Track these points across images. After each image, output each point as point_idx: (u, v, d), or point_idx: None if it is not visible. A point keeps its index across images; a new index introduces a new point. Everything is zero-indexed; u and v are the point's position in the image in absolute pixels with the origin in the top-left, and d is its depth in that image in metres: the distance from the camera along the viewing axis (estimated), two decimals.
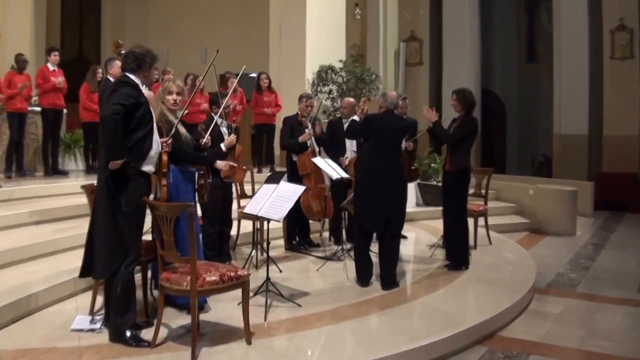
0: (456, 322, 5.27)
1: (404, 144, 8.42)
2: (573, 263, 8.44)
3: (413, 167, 8.62)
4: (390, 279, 6.26)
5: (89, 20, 18.24)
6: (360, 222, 6.37)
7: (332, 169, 7.06)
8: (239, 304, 5.44)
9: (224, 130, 6.60)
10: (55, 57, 9.64)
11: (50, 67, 9.63)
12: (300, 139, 7.75)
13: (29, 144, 10.25)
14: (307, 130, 7.77)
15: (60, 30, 17.71)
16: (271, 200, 5.48)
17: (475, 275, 6.88)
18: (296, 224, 8.04)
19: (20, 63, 9.54)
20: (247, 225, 7.76)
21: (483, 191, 8.72)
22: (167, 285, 4.48)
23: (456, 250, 7.11)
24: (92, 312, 5.13)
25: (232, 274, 4.58)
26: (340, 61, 12.56)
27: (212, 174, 6.42)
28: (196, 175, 5.58)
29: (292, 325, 5.13)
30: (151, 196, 4.94)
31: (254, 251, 6.98)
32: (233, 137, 6.49)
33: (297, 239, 8.19)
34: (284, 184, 5.59)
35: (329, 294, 6.08)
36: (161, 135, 5.02)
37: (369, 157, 6.32)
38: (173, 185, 5.30)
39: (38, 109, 9.88)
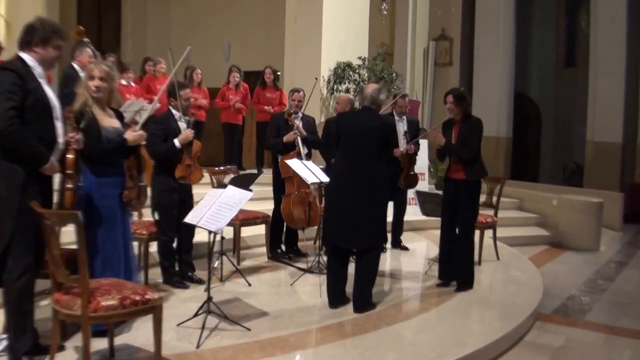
0: (431, 357, 4.46)
1: (404, 147, 7.60)
2: (589, 284, 7.48)
3: (412, 173, 7.73)
4: (362, 301, 5.45)
5: (109, 15, 17.66)
6: (325, 234, 5.55)
7: (309, 173, 6.23)
8: (178, 324, 4.79)
9: (182, 125, 5.85)
10: None
11: None
12: (285, 138, 6.98)
13: None
14: (297, 129, 6.98)
15: (77, 21, 17.17)
16: (214, 208, 4.70)
17: (469, 297, 6.00)
18: (278, 231, 7.24)
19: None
20: (227, 231, 7.03)
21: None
22: (57, 308, 3.74)
23: (466, 269, 6.21)
24: None
25: (137, 298, 3.80)
26: (360, 58, 11.67)
27: (165, 175, 5.72)
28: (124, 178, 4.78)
29: (227, 355, 4.38)
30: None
31: (217, 262, 6.19)
32: (189, 132, 5.74)
33: (285, 247, 7.40)
34: (230, 189, 4.82)
35: (291, 315, 5.29)
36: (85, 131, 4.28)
37: (337, 162, 5.59)
38: (88, 189, 4.52)
39: None
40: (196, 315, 4.87)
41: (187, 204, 5.87)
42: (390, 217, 8.06)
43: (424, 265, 7.12)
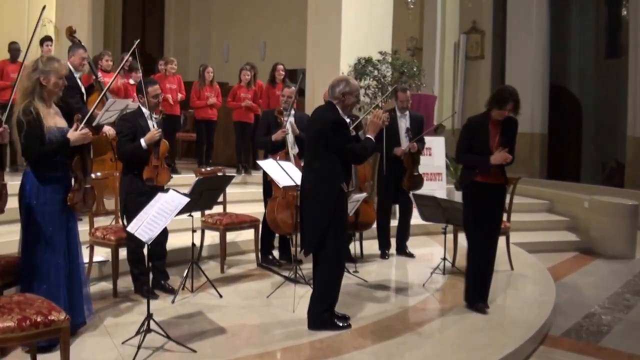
0: None
1: (406, 145, 6.85)
2: (614, 299, 6.49)
3: (416, 173, 6.95)
4: (311, 319, 4.74)
5: (152, 14, 17.47)
6: None
7: (283, 175, 5.53)
8: (123, 342, 4.19)
9: (150, 123, 5.25)
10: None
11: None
12: (274, 137, 6.35)
13: None
14: (285, 127, 6.34)
15: (122, 23, 17.03)
16: (152, 214, 4.06)
17: (463, 316, 5.17)
18: (270, 235, 6.58)
19: (13, 52, 8.61)
20: (214, 236, 6.45)
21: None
22: None
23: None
24: None
25: (38, 319, 3.23)
26: (381, 53, 10.86)
27: (133, 176, 5.14)
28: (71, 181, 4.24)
29: None
30: None
31: (186, 272, 5.58)
32: (155, 131, 5.14)
33: (278, 253, 6.75)
34: (170, 194, 4.16)
35: (250, 334, 4.63)
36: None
37: None
38: (29, 194, 4.04)
39: None
40: (137, 334, 4.26)
41: None
42: (395, 222, 7.40)
43: (426, 275, 6.32)
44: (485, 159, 5.11)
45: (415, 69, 10.96)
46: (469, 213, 5.30)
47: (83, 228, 5.80)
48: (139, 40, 5.26)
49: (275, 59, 14.78)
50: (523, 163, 6.25)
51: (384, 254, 7.17)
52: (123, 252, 5.44)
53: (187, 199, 4.06)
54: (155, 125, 5.25)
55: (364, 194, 6.37)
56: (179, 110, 9.37)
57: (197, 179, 5.04)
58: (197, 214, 6.40)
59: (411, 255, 7.24)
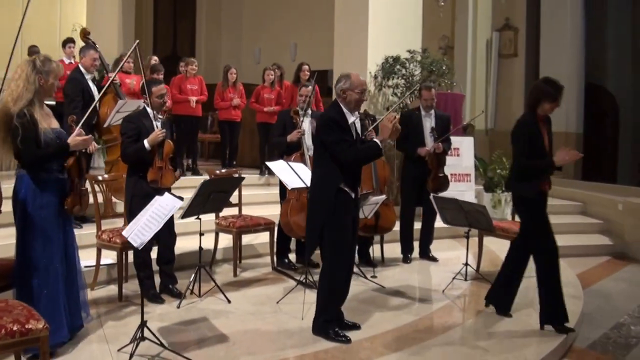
0: None
1: (431, 145, 6.54)
2: None
3: (441, 174, 6.61)
4: (315, 324, 4.51)
5: (184, 19, 17.44)
6: None
7: (293, 176, 5.27)
8: (119, 349, 4.02)
9: (156, 124, 5.04)
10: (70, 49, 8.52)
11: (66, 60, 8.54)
12: (289, 137, 6.10)
13: None
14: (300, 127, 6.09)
15: (153, 28, 17.05)
16: (146, 218, 3.85)
17: (481, 325, 4.85)
18: (286, 238, 6.33)
19: (32, 55, 8.52)
20: (229, 239, 6.23)
21: None
22: None
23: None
24: None
25: (14, 328, 3.04)
26: (409, 51, 10.51)
27: (138, 178, 4.95)
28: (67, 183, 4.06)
29: None
30: None
31: (193, 276, 5.36)
32: (158, 131, 4.92)
33: (295, 256, 6.51)
34: (166, 197, 3.93)
35: (251, 342, 4.38)
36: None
37: None
38: (24, 198, 3.88)
39: None
40: (132, 342, 4.05)
41: None
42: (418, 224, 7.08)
43: (447, 281, 5.98)
44: (549, 161, 4.70)
45: (444, 67, 10.60)
46: (541, 226, 4.85)
47: (91, 231, 5.73)
48: (138, 42, 5.07)
49: (306, 61, 14.61)
50: None
51: (406, 259, 6.86)
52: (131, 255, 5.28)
53: (180, 202, 3.83)
54: (159, 126, 5.04)
55: (383, 196, 6.07)
56: (200, 112, 9.19)
57: (202, 181, 4.80)
58: (211, 216, 6.26)
59: (434, 259, 6.91)
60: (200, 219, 5.14)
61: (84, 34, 6.70)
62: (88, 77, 6.34)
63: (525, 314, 5.17)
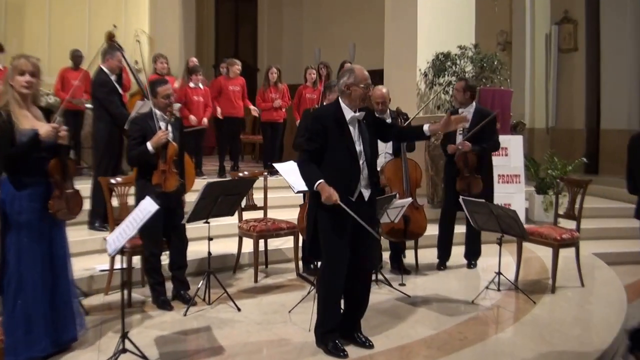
0: None
1: (460, 143, 6.04)
2: None
3: (468, 175, 6.09)
4: (316, 334, 4.16)
5: (245, 22, 17.37)
6: None
7: (300, 179, 4.87)
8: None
9: (162, 125, 4.78)
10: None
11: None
12: None
13: None
14: None
15: (215, 32, 17.05)
16: (124, 224, 3.58)
17: (508, 341, 4.33)
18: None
19: (75, 59, 8.53)
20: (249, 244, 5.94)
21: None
22: None
23: None
24: None
25: None
26: (460, 47, 9.93)
27: (146, 181, 4.71)
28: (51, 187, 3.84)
29: None
30: None
31: (201, 283, 5.08)
32: (161, 133, 4.65)
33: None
34: (145, 201, 3.64)
35: (246, 356, 4.05)
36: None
37: None
38: (2, 203, 3.71)
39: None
40: (113, 355, 3.78)
41: (177, 213, 4.84)
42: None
43: (479, 289, 5.46)
44: None
45: (496, 63, 9.96)
46: None
47: (103, 234, 5.56)
48: (138, 41, 4.82)
49: (364, 60, 14.11)
50: (619, 161, 5.38)
51: (440, 265, 6.36)
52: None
53: (155, 207, 3.52)
54: (164, 127, 4.77)
55: (409, 199, 5.62)
56: (242, 112, 8.96)
57: (205, 183, 4.50)
58: (234, 220, 5.98)
59: (471, 265, 6.38)
60: (208, 222, 4.85)
61: (109, 37, 6.58)
62: (113, 77, 6.20)
63: (559, 328, 4.59)
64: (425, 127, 4.18)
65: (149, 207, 3.49)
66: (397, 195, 5.76)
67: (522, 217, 8.08)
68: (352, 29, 14.95)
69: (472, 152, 6.03)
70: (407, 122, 6.24)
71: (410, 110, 9.23)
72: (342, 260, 3.95)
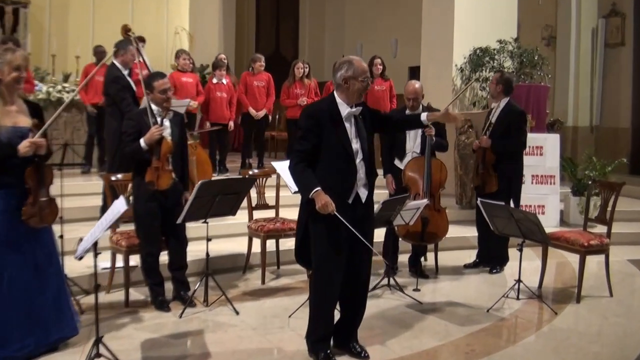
0: None
1: (480, 138, 5.69)
2: None
3: (482, 172, 5.74)
4: (307, 343, 3.85)
5: (287, 18, 17.19)
6: None
7: None
8: None
9: (154, 121, 4.56)
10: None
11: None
12: None
13: None
14: None
15: (255, 28, 16.92)
16: (97, 224, 3.38)
17: (512, 358, 3.96)
18: None
19: (98, 55, 8.45)
20: (271, 243, 5.72)
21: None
22: None
23: None
24: None
25: None
26: (499, 41, 9.46)
27: (142, 179, 4.54)
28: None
29: None
30: None
31: (200, 284, 4.86)
32: (154, 129, 4.44)
33: None
34: (118, 201, 3.43)
35: None
36: None
37: None
38: None
39: None
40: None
41: (175, 212, 4.63)
42: None
43: (498, 297, 5.09)
44: None
45: (536, 58, 9.46)
46: None
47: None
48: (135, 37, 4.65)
49: (406, 57, 13.90)
50: None
51: (493, 269, 6.04)
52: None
53: (124, 207, 3.31)
54: (163, 123, 4.56)
55: (424, 201, 5.29)
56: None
57: (199, 182, 4.27)
58: (244, 219, 5.79)
59: (495, 270, 6.00)
60: (207, 222, 4.63)
61: (125, 30, 6.40)
62: (125, 72, 6.04)
63: (577, 343, 4.20)
64: (423, 116, 3.94)
65: (119, 207, 3.29)
66: (411, 196, 5.48)
67: (556, 220, 7.66)
68: (395, 25, 14.63)
69: (490, 149, 5.66)
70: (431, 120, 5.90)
71: (443, 105, 8.92)
72: (336, 269, 3.66)
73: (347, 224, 3.50)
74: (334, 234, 3.59)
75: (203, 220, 4.60)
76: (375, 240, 6.08)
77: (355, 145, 3.67)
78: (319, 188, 3.51)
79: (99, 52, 8.35)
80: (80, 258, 3.33)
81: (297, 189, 4.52)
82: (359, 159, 3.68)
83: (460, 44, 9.44)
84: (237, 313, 4.64)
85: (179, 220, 4.38)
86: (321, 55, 16.47)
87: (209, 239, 4.74)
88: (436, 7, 9.73)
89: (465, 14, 9.38)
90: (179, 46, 14.79)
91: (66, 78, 9.98)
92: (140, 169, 4.58)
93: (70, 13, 13.55)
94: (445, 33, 9.54)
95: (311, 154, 3.64)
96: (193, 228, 5.03)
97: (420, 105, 5.66)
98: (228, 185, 4.57)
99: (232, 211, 4.76)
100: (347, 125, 3.66)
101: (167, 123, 4.62)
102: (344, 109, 3.66)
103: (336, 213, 3.50)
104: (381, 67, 8.69)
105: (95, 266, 3.44)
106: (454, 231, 7.11)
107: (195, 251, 5.11)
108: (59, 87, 8.58)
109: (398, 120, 4.29)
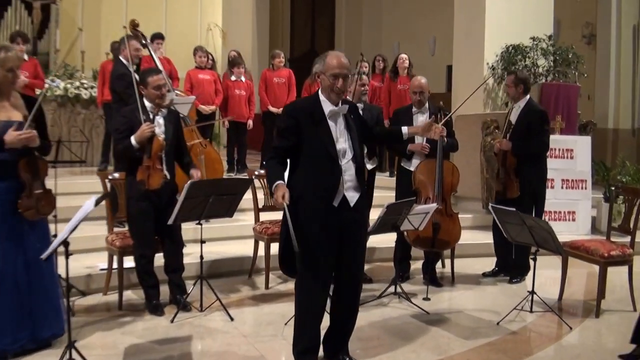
0: None
1: (500, 141, 5.43)
2: None
3: (501, 176, 5.47)
4: (294, 354, 3.63)
5: (323, 15, 17.02)
6: None
7: None
8: None
9: (144, 118, 4.44)
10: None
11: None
12: None
13: None
14: None
15: (290, 25, 16.82)
16: (67, 225, 3.28)
17: None
18: None
19: (115, 51, 8.41)
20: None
21: None
22: None
23: None
24: None
25: None
26: (532, 38, 9.09)
27: (133, 178, 4.44)
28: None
29: None
30: None
31: (193, 288, 4.74)
32: (145, 126, 4.32)
33: None
34: (90, 200, 3.31)
35: None
36: None
37: None
38: None
39: None
40: None
41: (169, 213, 4.50)
42: None
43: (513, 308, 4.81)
44: None
45: (571, 56, 9.05)
46: None
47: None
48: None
49: (445, 55, 13.57)
50: None
51: (513, 279, 5.77)
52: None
53: (92, 206, 3.19)
54: (152, 119, 4.44)
55: (433, 205, 5.04)
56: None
57: (189, 182, 4.14)
58: (250, 221, 5.66)
59: (515, 279, 5.72)
60: (201, 224, 4.50)
61: (133, 25, 6.34)
62: (131, 68, 5.96)
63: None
64: (404, 130, 3.74)
65: (88, 206, 3.18)
66: (422, 200, 5.27)
67: (587, 227, 7.30)
68: (434, 23, 14.34)
69: (511, 152, 5.38)
70: (445, 119, 5.66)
71: (476, 108, 8.61)
72: (320, 276, 3.47)
73: (291, 226, 3.27)
74: (315, 240, 3.40)
75: (197, 221, 4.47)
76: (385, 246, 5.96)
77: (343, 145, 3.47)
78: (280, 181, 3.34)
79: (116, 49, 8.31)
80: (47, 259, 3.23)
81: None
82: (346, 160, 3.47)
83: (492, 41, 9.10)
84: (232, 319, 4.50)
85: (170, 221, 4.25)
86: (357, 53, 16.23)
87: (203, 241, 4.63)
88: (467, 2, 9.42)
89: (497, 9, 9.04)
90: (211, 43, 14.84)
91: (95, 75, 10.02)
92: (133, 167, 4.48)
93: (102, 9, 13.70)
94: (477, 29, 9.21)
95: (288, 151, 3.50)
96: (196, 229, 4.89)
97: (427, 102, 5.43)
98: (221, 186, 4.42)
99: (229, 212, 4.60)
100: (331, 123, 3.46)
101: (161, 121, 4.51)
102: (327, 107, 3.47)
103: (286, 206, 3.27)
104: (407, 63, 8.43)
105: (67, 268, 3.34)
106: (478, 237, 6.90)
107: (197, 253, 4.98)
108: (77, 84, 8.55)
109: (378, 134, 4.06)
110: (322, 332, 3.66)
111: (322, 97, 3.49)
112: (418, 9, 14.84)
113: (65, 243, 3.24)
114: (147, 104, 4.47)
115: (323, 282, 3.49)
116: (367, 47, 16.11)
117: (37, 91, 7.01)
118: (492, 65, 9.06)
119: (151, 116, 4.42)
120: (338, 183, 3.43)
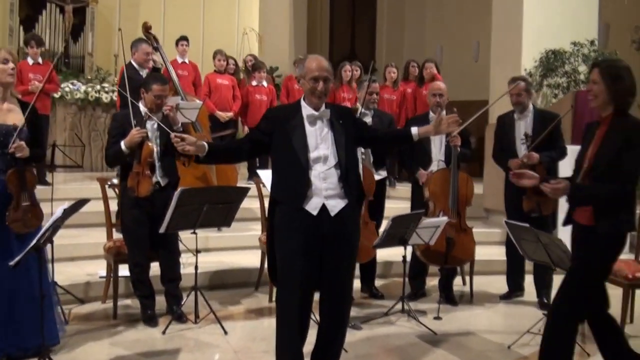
0: None
1: (524, 155, 5.18)
2: None
3: (536, 194, 5.16)
4: None
5: (363, 18, 16.89)
6: None
7: None
8: None
9: (148, 124, 4.41)
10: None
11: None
12: None
13: None
14: None
15: (329, 29, 16.75)
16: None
17: None
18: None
19: None
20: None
21: None
22: None
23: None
24: None
25: None
26: (574, 43, 8.77)
27: (126, 185, 4.42)
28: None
29: None
30: None
31: (187, 299, 4.67)
32: (134, 131, 4.27)
33: (360, 283, 5.54)
34: (61, 206, 3.28)
35: None
36: None
37: None
38: None
39: None
40: None
41: (159, 221, 4.42)
42: None
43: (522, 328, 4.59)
44: None
45: None
46: None
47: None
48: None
49: (488, 60, 13.26)
50: None
51: (511, 294, 5.60)
52: None
53: (59, 214, 3.15)
54: (149, 126, 4.40)
55: (444, 219, 4.87)
56: None
57: (179, 190, 4.08)
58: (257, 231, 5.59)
59: (514, 293, 5.51)
60: (196, 233, 4.44)
61: (146, 29, 6.36)
62: (142, 73, 5.95)
63: None
64: (414, 130, 3.51)
65: (57, 213, 3.15)
66: (436, 213, 5.10)
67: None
68: (477, 27, 13.97)
69: (540, 164, 5.11)
70: (463, 125, 5.45)
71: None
72: (296, 288, 3.32)
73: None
74: (290, 248, 3.27)
75: (192, 230, 4.41)
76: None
77: (324, 151, 3.32)
78: (205, 144, 3.31)
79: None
80: (16, 265, 3.20)
81: None
82: (327, 166, 3.31)
83: (530, 45, 8.83)
84: (226, 332, 4.42)
85: (162, 230, 4.20)
86: (399, 58, 16.01)
87: (198, 251, 4.55)
88: (505, 4, 9.18)
89: (536, 11, 8.77)
90: (247, 47, 14.88)
91: None
92: (124, 174, 4.46)
93: (140, 13, 13.87)
94: (514, 33, 8.96)
95: (253, 142, 3.48)
96: (201, 239, 4.82)
97: (445, 110, 5.22)
98: (215, 194, 4.34)
99: (226, 222, 4.53)
100: (310, 129, 3.33)
101: (155, 126, 4.45)
102: (307, 110, 3.36)
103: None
104: (435, 70, 8.27)
105: (53, 274, 3.32)
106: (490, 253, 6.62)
107: (201, 262, 4.90)
108: (98, 87, 8.65)
109: (383, 136, 3.92)
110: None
111: (303, 103, 3.39)
112: (462, 12, 14.56)
113: (37, 248, 3.21)
114: (142, 108, 4.44)
115: (301, 295, 3.33)
116: (409, 51, 15.92)
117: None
118: (530, 72, 8.79)
119: (145, 121, 4.37)
120: (305, 189, 3.28)
